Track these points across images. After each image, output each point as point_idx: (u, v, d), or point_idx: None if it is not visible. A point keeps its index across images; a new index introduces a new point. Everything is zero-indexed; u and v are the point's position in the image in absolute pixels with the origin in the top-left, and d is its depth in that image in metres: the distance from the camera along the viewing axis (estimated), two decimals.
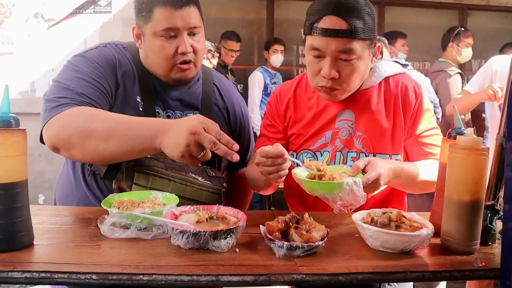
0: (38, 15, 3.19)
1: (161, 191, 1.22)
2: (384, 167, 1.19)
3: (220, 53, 3.63)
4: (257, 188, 1.48)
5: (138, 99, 1.38)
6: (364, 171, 1.17)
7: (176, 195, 1.19)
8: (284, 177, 1.19)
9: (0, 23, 3.16)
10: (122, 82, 1.36)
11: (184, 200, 1.29)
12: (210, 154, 1.10)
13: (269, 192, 1.52)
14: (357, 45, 1.26)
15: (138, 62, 1.42)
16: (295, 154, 1.43)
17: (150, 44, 1.35)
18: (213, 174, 1.41)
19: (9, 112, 0.92)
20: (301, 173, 1.22)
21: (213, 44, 3.52)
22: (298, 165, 1.25)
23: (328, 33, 1.24)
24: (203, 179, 1.37)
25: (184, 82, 1.43)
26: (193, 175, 1.35)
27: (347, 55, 1.26)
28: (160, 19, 1.31)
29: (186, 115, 1.44)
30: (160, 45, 1.33)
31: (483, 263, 0.94)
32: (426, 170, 1.33)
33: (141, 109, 1.36)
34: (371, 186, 1.16)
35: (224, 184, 1.43)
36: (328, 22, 1.25)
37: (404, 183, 1.33)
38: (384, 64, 1.46)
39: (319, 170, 1.20)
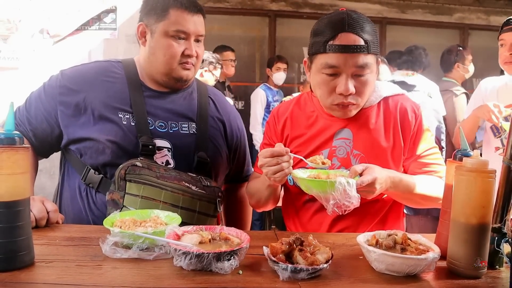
0: (44, 31, 3.22)
1: (163, 210, 1.20)
2: (381, 173, 1.20)
3: (222, 65, 3.63)
4: (259, 202, 1.47)
5: (128, 108, 1.40)
6: (361, 176, 1.18)
7: (170, 204, 1.18)
8: (285, 179, 1.22)
9: (6, 38, 3.19)
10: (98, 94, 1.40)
11: (178, 209, 1.29)
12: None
13: (270, 206, 1.51)
14: (371, 59, 1.29)
15: (132, 75, 1.46)
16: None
17: (158, 42, 1.41)
18: (208, 184, 1.41)
19: (13, 129, 0.92)
20: (301, 174, 1.27)
21: (214, 56, 3.50)
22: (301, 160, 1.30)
23: (346, 49, 1.26)
24: (197, 188, 1.36)
25: (183, 82, 1.46)
26: (187, 184, 1.35)
27: (363, 70, 1.28)
28: (174, 20, 1.39)
29: (181, 126, 1.46)
30: (169, 43, 1.40)
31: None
32: (426, 185, 1.34)
33: (125, 123, 1.38)
34: (366, 189, 1.17)
35: (219, 194, 1.42)
36: (345, 38, 1.26)
37: (402, 194, 1.34)
38: (383, 84, 1.48)
39: (323, 163, 1.27)
